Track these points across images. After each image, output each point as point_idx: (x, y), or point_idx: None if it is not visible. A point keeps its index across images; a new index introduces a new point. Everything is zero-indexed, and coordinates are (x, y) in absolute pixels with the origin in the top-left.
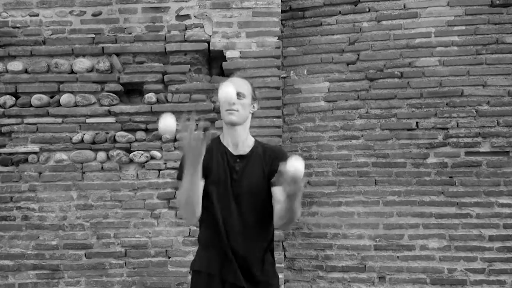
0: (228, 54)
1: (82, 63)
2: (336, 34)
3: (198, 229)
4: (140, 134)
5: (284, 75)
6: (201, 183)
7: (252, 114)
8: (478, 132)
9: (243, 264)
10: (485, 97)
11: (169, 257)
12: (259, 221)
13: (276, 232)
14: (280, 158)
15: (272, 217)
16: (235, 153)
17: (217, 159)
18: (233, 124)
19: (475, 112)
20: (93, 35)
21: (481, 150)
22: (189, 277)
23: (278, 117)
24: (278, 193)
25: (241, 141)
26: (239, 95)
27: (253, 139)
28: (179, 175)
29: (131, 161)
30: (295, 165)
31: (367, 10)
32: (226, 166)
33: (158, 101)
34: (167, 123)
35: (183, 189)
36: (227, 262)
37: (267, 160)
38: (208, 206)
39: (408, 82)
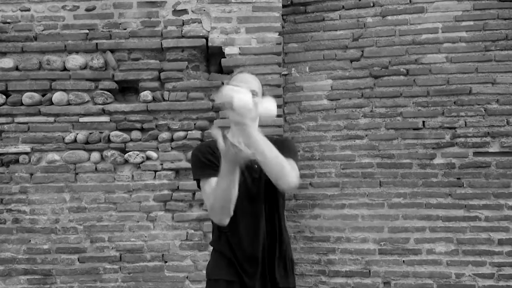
0: (227, 50)
1: (75, 60)
2: (339, 29)
3: (196, 232)
4: (136, 134)
5: (285, 73)
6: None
7: None
8: (487, 132)
9: (267, 268)
10: (494, 95)
11: (166, 262)
12: (280, 219)
13: None
14: (283, 145)
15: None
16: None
17: None
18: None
19: (483, 111)
20: (87, 31)
21: (490, 150)
22: (187, 282)
23: (279, 116)
24: None
25: None
26: (252, 93)
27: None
28: (195, 176)
29: (126, 161)
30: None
31: (371, 4)
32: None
33: (154, 100)
34: (245, 99)
35: (221, 189)
36: (248, 268)
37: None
38: None
39: (414, 80)
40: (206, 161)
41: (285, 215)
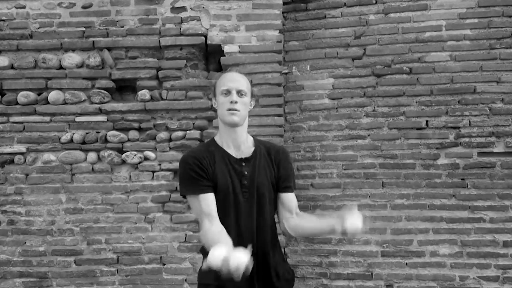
0: (227, 48)
1: (71, 58)
2: (341, 27)
3: (195, 234)
4: (133, 134)
5: (286, 71)
6: (212, 196)
7: (249, 112)
8: (491, 132)
9: (261, 271)
10: (499, 94)
11: (164, 264)
12: (271, 224)
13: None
14: (285, 160)
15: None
16: (237, 156)
17: (220, 166)
18: (234, 125)
19: (488, 110)
20: (83, 29)
21: (495, 150)
22: (185, 285)
23: (279, 115)
24: (292, 201)
25: (242, 142)
26: (240, 92)
27: (251, 138)
28: (182, 191)
29: (123, 162)
30: (355, 224)
31: (374, 1)
32: (232, 172)
33: (152, 99)
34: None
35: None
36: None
37: (273, 161)
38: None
39: (417, 79)
40: (194, 175)
41: (273, 216)
